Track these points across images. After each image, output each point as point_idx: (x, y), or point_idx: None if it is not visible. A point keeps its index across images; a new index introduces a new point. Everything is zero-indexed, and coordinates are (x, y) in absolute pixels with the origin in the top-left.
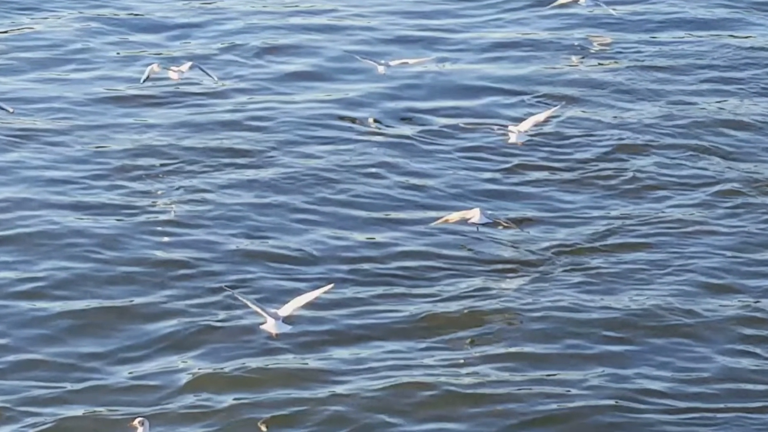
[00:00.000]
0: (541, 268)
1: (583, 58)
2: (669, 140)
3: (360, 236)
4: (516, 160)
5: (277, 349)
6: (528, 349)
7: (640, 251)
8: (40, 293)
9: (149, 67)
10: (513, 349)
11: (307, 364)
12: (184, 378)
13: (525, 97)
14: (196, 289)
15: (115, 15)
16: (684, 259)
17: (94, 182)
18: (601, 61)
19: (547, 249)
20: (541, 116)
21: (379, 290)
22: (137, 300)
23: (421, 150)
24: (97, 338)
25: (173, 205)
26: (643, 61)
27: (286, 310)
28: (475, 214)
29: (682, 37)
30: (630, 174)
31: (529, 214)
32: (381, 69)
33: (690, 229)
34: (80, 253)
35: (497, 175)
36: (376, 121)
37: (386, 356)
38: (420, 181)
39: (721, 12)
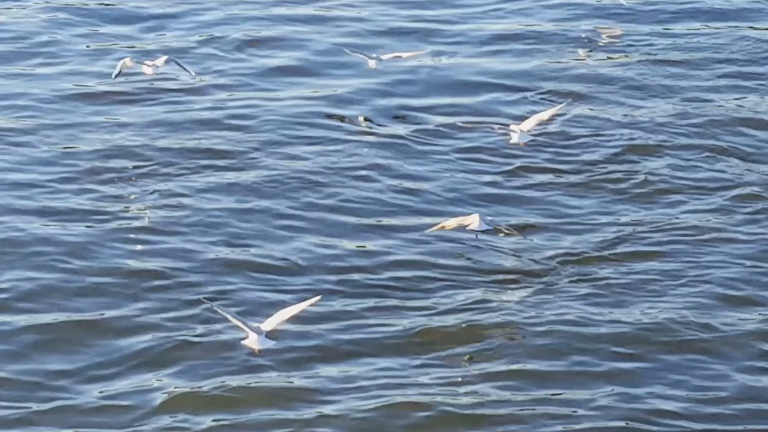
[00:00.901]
0: (545, 279)
1: (590, 51)
2: (684, 140)
3: (349, 244)
4: (518, 162)
5: (260, 366)
6: (531, 366)
7: (652, 260)
8: (3, 306)
9: (121, 62)
10: (515, 367)
11: (292, 382)
12: (159, 397)
13: (528, 94)
14: (172, 301)
15: (85, 5)
16: (700, 268)
17: (61, 186)
18: (611, 55)
19: (551, 258)
20: (545, 114)
21: (370, 303)
22: (108, 313)
23: (416, 151)
24: (65, 354)
25: (147, 211)
26: (655, 54)
27: (269, 324)
28: (474, 221)
29: (698, 29)
30: (641, 177)
31: (533, 220)
32: (372, 63)
33: (706, 236)
34: (47, 263)
35: (498, 178)
36: (366, 119)
37: (378, 374)
38: (414, 185)
39: (740, 1)
